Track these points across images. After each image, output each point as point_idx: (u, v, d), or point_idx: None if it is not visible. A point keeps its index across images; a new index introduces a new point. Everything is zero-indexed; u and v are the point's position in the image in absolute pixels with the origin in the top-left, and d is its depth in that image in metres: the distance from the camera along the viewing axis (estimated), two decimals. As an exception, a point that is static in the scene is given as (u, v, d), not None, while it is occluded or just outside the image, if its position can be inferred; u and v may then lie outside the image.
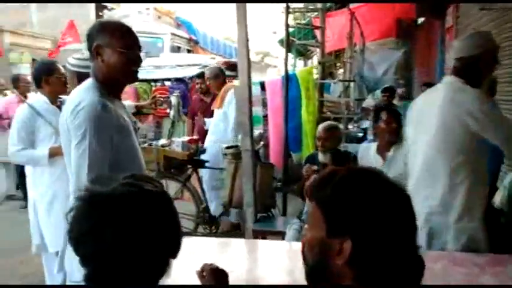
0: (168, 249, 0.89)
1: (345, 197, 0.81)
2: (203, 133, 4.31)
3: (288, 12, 4.02)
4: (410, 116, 2.12)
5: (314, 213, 0.86)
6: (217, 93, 4.15)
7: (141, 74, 5.42)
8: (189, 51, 9.49)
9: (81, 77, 2.24)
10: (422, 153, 1.97)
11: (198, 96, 4.90)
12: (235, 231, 3.59)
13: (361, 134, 6.09)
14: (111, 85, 1.62)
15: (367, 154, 2.82)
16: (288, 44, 3.62)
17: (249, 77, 3.06)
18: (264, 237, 3.12)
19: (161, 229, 0.86)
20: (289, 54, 10.69)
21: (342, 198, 0.82)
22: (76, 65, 2.34)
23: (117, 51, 1.56)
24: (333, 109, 6.77)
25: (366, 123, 6.02)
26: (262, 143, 3.56)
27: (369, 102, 6.68)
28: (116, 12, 10.68)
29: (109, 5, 16.89)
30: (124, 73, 1.62)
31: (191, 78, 5.37)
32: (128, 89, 5.69)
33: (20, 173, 4.64)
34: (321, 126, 2.98)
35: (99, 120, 1.50)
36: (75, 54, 2.42)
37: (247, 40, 3.00)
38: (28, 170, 2.70)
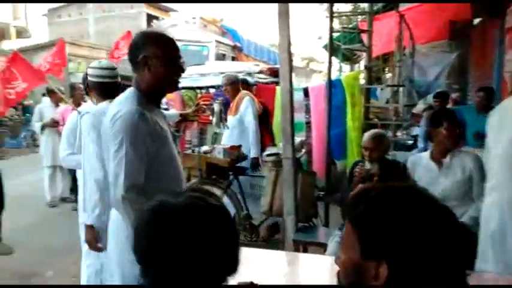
0: (228, 264, 0.87)
1: (380, 216, 0.74)
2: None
3: (332, 17, 3.91)
4: (492, 121, 2.09)
5: (348, 234, 0.80)
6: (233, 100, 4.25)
7: (187, 82, 5.58)
8: (233, 58, 9.60)
9: (97, 87, 2.37)
10: (504, 157, 1.95)
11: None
12: (274, 236, 3.52)
13: (410, 142, 5.80)
14: (153, 94, 1.66)
15: (419, 162, 2.66)
16: (331, 48, 3.52)
17: (291, 83, 3.01)
18: (305, 248, 3.03)
19: (224, 244, 0.85)
20: (335, 59, 10.52)
21: (376, 217, 0.74)
22: (92, 74, 2.38)
23: (162, 61, 1.60)
24: (380, 115, 6.52)
25: (416, 130, 5.73)
26: (303, 150, 3.48)
27: (420, 108, 6.36)
28: (164, 22, 11.08)
29: (158, 15, 17.59)
30: (168, 82, 1.67)
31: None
32: (174, 96, 5.83)
33: (73, 176, 4.90)
34: (366, 135, 2.84)
35: (135, 129, 1.52)
36: (91, 64, 2.48)
37: (289, 45, 2.95)
38: (78, 173, 2.82)
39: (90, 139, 2.22)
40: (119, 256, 1.65)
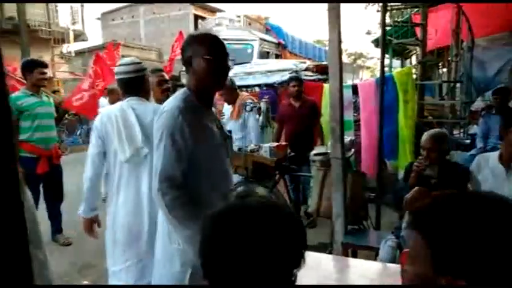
0: (295, 260, 0.85)
1: (460, 228, 0.65)
2: (292, 139, 4.24)
3: (385, 11, 3.73)
4: None
5: (418, 246, 0.72)
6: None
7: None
8: (277, 55, 9.47)
9: (119, 84, 2.35)
10: None
11: (286, 101, 4.83)
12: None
13: (468, 141, 5.44)
14: (201, 93, 1.70)
15: (486, 163, 2.46)
16: (384, 44, 3.35)
17: (341, 81, 2.91)
18: (354, 252, 2.92)
19: (293, 241, 0.83)
20: (385, 54, 10.09)
21: (455, 231, 0.66)
22: (118, 72, 2.35)
23: (205, 60, 1.63)
24: (435, 113, 6.18)
25: (474, 129, 5.36)
26: (353, 150, 3.35)
27: (478, 105, 5.95)
28: (210, 22, 11.22)
29: (205, 15, 17.88)
30: (213, 81, 1.69)
31: (280, 83, 5.34)
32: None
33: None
34: (426, 135, 2.64)
35: (175, 125, 1.55)
36: (119, 62, 2.49)
37: (340, 42, 2.84)
38: None
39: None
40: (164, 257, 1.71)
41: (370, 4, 8.99)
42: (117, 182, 2.26)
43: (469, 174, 2.56)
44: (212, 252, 0.82)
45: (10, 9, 12.54)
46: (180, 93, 1.70)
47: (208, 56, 1.63)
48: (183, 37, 9.35)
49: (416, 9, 6.14)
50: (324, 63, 8.72)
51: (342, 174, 2.83)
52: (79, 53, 13.09)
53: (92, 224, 2.37)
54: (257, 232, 0.79)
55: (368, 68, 35.15)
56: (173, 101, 1.65)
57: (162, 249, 1.74)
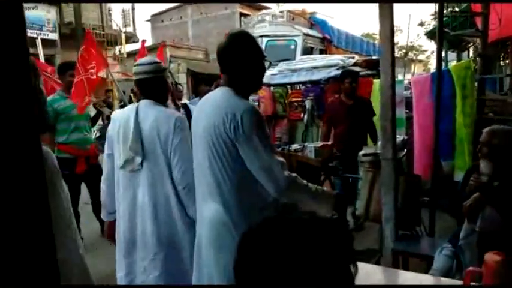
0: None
1: None
2: (343, 140, 3.98)
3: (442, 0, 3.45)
4: None
5: None
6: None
7: (278, 79, 5.42)
8: (321, 51, 9.14)
9: (137, 84, 2.16)
10: None
11: (336, 98, 4.51)
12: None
13: (535, 140, 4.93)
14: (243, 93, 1.71)
15: None
16: (441, 36, 3.10)
17: (394, 77, 2.72)
18: (405, 260, 2.72)
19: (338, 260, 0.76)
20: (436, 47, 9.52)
21: None
22: (134, 72, 2.16)
23: (244, 61, 1.68)
24: (496, 109, 5.68)
25: (543, 127, 4.85)
26: (405, 150, 3.13)
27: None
28: (253, 18, 11.16)
29: (250, 13, 17.91)
30: (253, 80, 1.74)
31: (327, 80, 5.16)
32: (265, 93, 5.81)
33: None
34: (486, 129, 2.40)
35: (262, 120, 1.65)
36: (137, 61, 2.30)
37: (393, 36, 2.66)
38: None
39: None
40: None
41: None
42: (118, 190, 2.14)
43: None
44: (249, 273, 0.75)
45: (69, 14, 13.31)
46: (228, 93, 1.68)
47: (245, 57, 1.67)
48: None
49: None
50: (373, 57, 8.32)
51: (393, 176, 2.65)
52: (131, 55, 13.60)
53: (111, 227, 2.24)
54: (295, 262, 0.71)
55: (420, 61, 33.48)
56: (240, 100, 1.65)
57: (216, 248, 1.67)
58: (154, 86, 2.11)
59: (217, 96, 1.72)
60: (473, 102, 4.51)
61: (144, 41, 8.06)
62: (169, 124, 2.01)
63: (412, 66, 30.92)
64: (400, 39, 29.10)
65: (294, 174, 1.64)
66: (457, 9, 5.91)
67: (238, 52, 1.68)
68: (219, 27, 19.43)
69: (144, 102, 2.11)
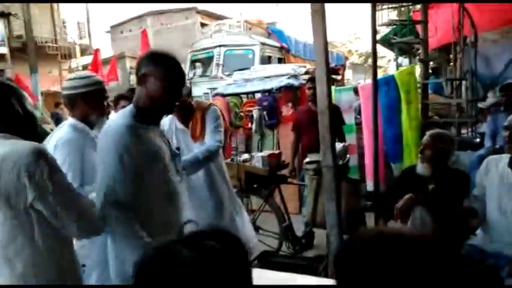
0: None
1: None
2: (312, 149, 3.90)
3: (374, 10, 3.59)
4: None
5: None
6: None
7: (232, 88, 5.41)
8: (280, 59, 9.23)
9: (69, 99, 1.99)
10: None
11: (304, 106, 4.34)
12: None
13: (477, 140, 5.21)
14: (149, 111, 1.63)
15: (496, 165, 2.26)
16: (375, 44, 3.22)
17: (329, 86, 2.79)
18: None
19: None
20: (392, 53, 9.80)
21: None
22: (64, 87, 2.04)
23: (160, 83, 1.58)
24: (442, 112, 5.96)
25: (484, 127, 5.13)
26: (348, 156, 3.21)
27: (489, 102, 5.70)
28: (210, 28, 11.16)
29: (209, 22, 17.94)
30: (162, 103, 1.63)
31: (279, 89, 5.23)
32: (220, 103, 5.80)
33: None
34: (428, 133, 2.51)
35: (123, 144, 1.51)
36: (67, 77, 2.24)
37: (326, 46, 2.73)
38: None
39: None
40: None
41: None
42: None
43: (469, 180, 2.41)
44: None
45: (18, 27, 12.82)
46: (127, 110, 1.64)
47: (162, 80, 1.58)
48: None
49: (410, 6, 5.96)
50: (332, 65, 8.54)
51: (334, 183, 2.70)
52: (86, 67, 13.27)
53: None
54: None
55: (380, 67, 34.64)
56: (120, 118, 1.60)
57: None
58: (79, 101, 1.96)
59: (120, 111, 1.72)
60: (417, 106, 4.70)
61: (96, 51, 7.84)
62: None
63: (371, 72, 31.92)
64: (359, 46, 29.98)
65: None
66: (399, 18, 6.17)
67: (149, 71, 1.59)
68: (180, 38, 19.32)
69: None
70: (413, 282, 0.56)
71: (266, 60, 8.57)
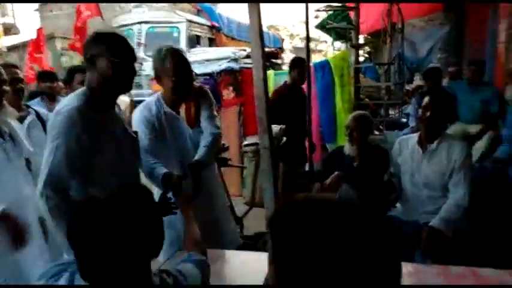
0: (152, 250, 1.01)
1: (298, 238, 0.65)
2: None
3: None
4: None
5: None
6: None
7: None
8: (210, 39, 8.39)
9: None
10: None
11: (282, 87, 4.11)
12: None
13: (404, 120, 5.64)
14: (103, 94, 1.62)
15: (407, 144, 2.48)
16: (308, 30, 3.35)
17: (265, 71, 2.86)
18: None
19: (147, 232, 0.97)
20: (329, 37, 10.13)
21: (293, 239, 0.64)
22: None
23: (109, 62, 1.57)
24: (373, 94, 6.35)
25: (409, 108, 5.56)
26: (285, 138, 3.34)
27: (416, 84, 6.16)
28: (128, 5, 9.77)
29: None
30: (117, 83, 1.63)
31: (220, 73, 5.24)
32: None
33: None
34: (350, 115, 2.72)
35: (72, 127, 1.50)
36: None
37: (261, 30, 2.77)
38: None
39: None
40: None
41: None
42: None
43: (389, 156, 2.63)
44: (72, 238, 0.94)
45: None
46: (80, 92, 1.62)
47: (112, 58, 1.57)
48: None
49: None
50: (269, 48, 8.42)
51: (271, 164, 2.82)
52: (11, 48, 12.20)
53: None
54: (104, 223, 0.91)
55: (320, 51, 35.59)
56: (72, 100, 1.57)
57: None
58: None
59: (71, 93, 1.69)
60: (350, 89, 4.98)
61: (40, 30, 7.16)
62: None
63: (313, 56, 32.75)
64: (301, 30, 30.45)
65: None
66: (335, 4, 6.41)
67: (98, 51, 1.57)
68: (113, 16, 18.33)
69: None
70: (341, 240, 0.60)
71: (194, 39, 7.82)
